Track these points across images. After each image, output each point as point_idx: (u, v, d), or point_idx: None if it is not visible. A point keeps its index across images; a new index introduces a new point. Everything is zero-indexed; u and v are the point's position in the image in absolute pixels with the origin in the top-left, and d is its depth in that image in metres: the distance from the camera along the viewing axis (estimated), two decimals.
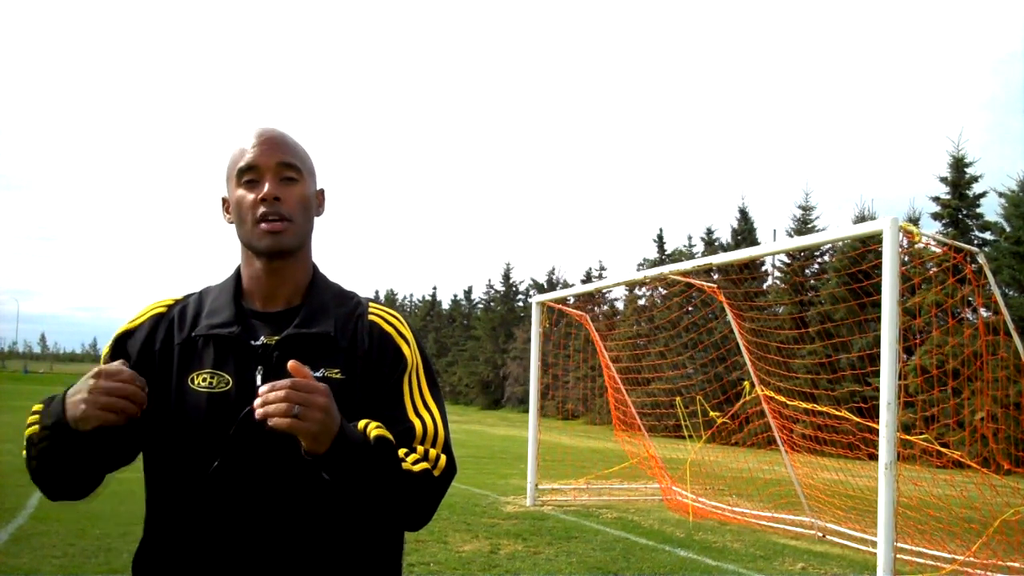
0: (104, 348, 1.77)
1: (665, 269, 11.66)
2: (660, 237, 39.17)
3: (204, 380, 1.65)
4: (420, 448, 1.64)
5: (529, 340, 13.88)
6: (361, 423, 1.55)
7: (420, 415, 1.69)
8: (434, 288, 74.83)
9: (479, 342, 55.25)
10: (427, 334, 66.05)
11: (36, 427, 1.55)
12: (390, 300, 77.01)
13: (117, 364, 1.50)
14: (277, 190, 1.66)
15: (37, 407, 1.58)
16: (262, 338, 1.67)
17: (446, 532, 8.90)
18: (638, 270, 34.36)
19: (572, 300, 15.65)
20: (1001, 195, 23.55)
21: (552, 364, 17.56)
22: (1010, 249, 22.47)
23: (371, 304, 1.79)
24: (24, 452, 1.60)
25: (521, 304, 53.08)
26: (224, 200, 1.76)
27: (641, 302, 34.84)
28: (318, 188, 1.79)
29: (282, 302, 1.72)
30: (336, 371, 1.66)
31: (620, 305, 38.45)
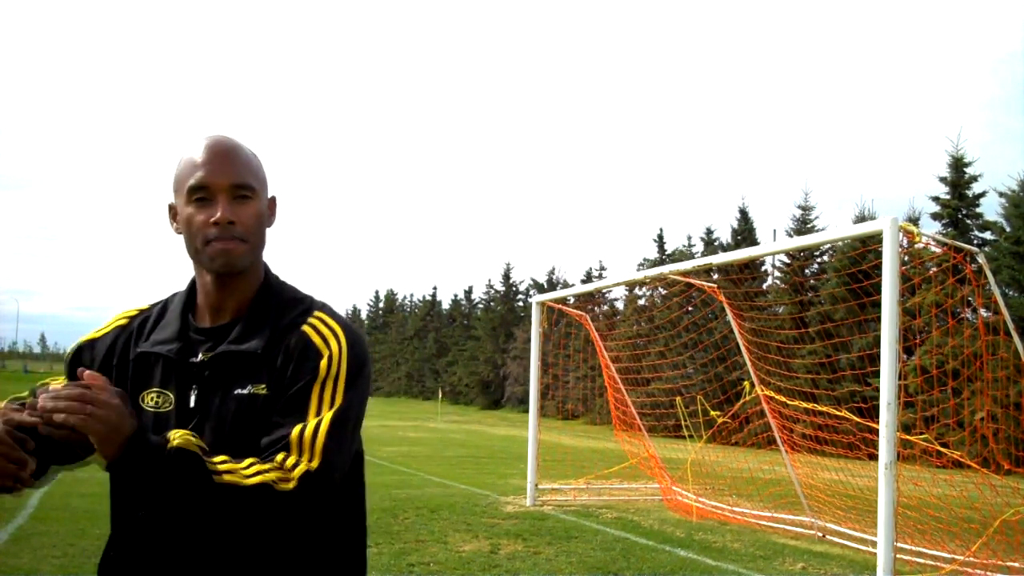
0: (68, 352, 1.78)
1: (665, 269, 11.67)
2: (660, 237, 39.19)
3: (152, 399, 1.65)
4: (280, 456, 1.54)
5: (529, 340, 13.89)
6: (172, 432, 1.49)
7: (306, 422, 1.59)
8: (434, 288, 74.85)
9: (479, 342, 55.25)
10: (427, 334, 66.09)
11: None
12: (390, 300, 77.14)
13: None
14: (231, 212, 1.63)
15: None
16: (200, 355, 1.66)
17: (446, 532, 8.90)
18: (638, 270, 34.36)
19: (572, 300, 15.65)
20: (1001, 195, 23.56)
21: (552, 364, 17.56)
22: (1010, 249, 22.47)
23: (316, 312, 1.72)
24: None
25: (521, 304, 53.08)
26: (171, 207, 1.72)
27: (641, 302, 34.84)
28: (269, 197, 1.76)
29: (230, 314, 1.72)
30: (263, 387, 1.63)
31: (620, 305, 38.45)
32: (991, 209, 32.33)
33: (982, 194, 24.72)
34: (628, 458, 13.81)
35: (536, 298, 13.13)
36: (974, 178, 24.78)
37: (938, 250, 9.23)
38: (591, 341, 14.04)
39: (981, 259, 8.14)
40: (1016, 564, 7.67)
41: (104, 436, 1.41)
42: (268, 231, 1.74)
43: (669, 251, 37.77)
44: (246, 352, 1.65)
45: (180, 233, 1.70)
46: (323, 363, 1.64)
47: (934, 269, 12.94)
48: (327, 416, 1.60)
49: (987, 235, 24.50)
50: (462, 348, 58.43)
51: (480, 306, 60.41)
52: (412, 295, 78.41)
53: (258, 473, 1.50)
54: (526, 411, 15.60)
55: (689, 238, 37.07)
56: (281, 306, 1.73)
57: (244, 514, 1.51)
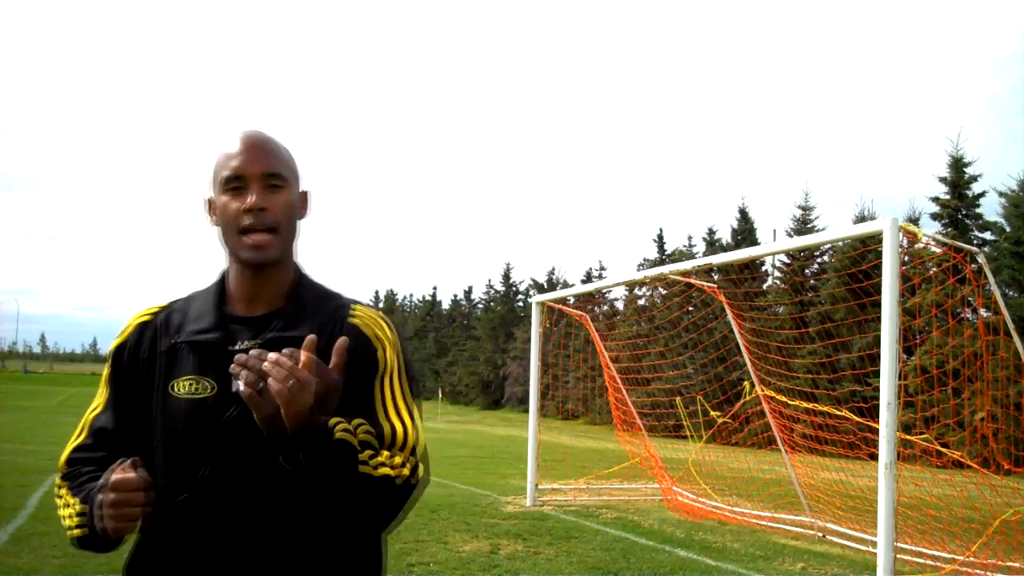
0: (106, 368, 1.81)
1: (665, 269, 11.67)
2: (660, 237, 39.21)
3: (186, 386, 1.67)
4: (385, 453, 1.62)
5: (529, 340, 13.88)
6: (332, 420, 1.54)
7: (391, 419, 1.67)
8: (434, 288, 74.88)
9: (479, 342, 55.24)
10: (427, 334, 66.03)
11: (83, 529, 1.66)
12: (390, 300, 77.06)
13: (123, 473, 1.55)
14: (263, 200, 1.67)
15: (70, 499, 1.69)
16: (241, 343, 1.68)
17: (446, 532, 8.90)
18: (638, 270, 34.35)
19: (572, 300, 15.65)
20: (1001, 195, 23.55)
21: (552, 364, 17.56)
22: (1010, 249, 22.46)
23: (355, 306, 1.79)
24: (65, 524, 1.71)
25: (521, 304, 53.07)
26: (209, 201, 1.76)
27: (641, 302, 34.83)
28: (302, 191, 1.80)
29: (264, 305, 1.73)
30: None
31: (620, 305, 38.46)
32: (991, 209, 32.32)
33: (982, 194, 24.72)
34: (628, 458, 13.80)
35: (536, 298, 13.13)
36: (974, 178, 24.77)
37: (938, 250, 9.23)
38: (591, 341, 14.03)
39: (981, 259, 8.14)
40: (1016, 564, 7.67)
41: (295, 414, 1.46)
42: (300, 223, 1.78)
43: (669, 251, 37.79)
44: (298, 339, 1.65)
45: (216, 225, 1.73)
46: (380, 355, 1.72)
47: (934, 269, 12.94)
48: (408, 420, 1.70)
49: (987, 235, 24.49)
50: (462, 348, 58.41)
51: (480, 306, 60.42)
52: (412, 295, 78.63)
53: (382, 465, 1.58)
54: (526, 411, 15.60)
55: (689, 238, 37.16)
56: (318, 298, 1.78)
57: (364, 500, 1.59)
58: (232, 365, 1.49)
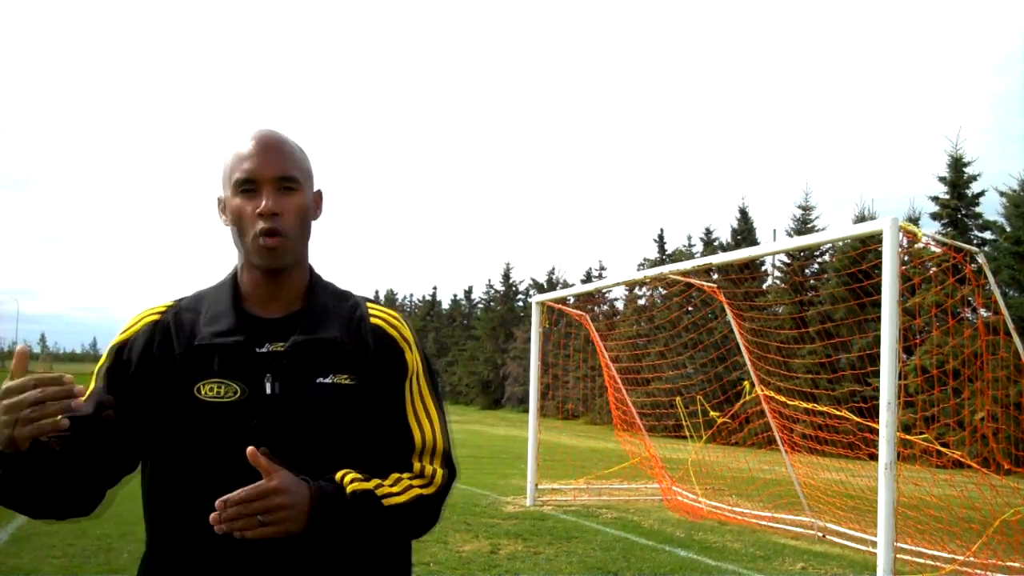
0: (101, 360, 1.72)
1: (665, 269, 11.67)
2: (660, 237, 39.16)
3: (212, 389, 1.62)
4: (416, 465, 1.65)
5: (529, 340, 13.88)
6: (338, 475, 1.55)
7: (420, 423, 1.69)
8: (434, 288, 74.83)
9: (479, 342, 55.21)
10: (427, 334, 66.01)
11: None
12: (390, 300, 76.93)
13: (24, 378, 1.39)
14: (275, 204, 1.64)
15: None
16: (267, 345, 1.65)
17: (446, 532, 8.90)
18: (638, 270, 34.33)
19: (572, 300, 15.65)
20: (1002, 194, 23.53)
21: (552, 364, 17.56)
22: (1010, 249, 22.44)
23: (369, 304, 1.77)
24: None
25: (521, 304, 53.02)
26: (220, 200, 1.74)
27: (641, 302, 34.81)
28: (316, 190, 1.77)
29: (282, 307, 1.71)
30: (345, 376, 1.65)
31: (620, 305, 38.43)
32: (991, 209, 32.31)
33: (982, 194, 24.69)
34: (628, 458, 13.80)
35: (536, 298, 13.12)
36: (974, 178, 24.74)
37: (938, 250, 9.23)
38: (591, 341, 14.03)
39: (981, 259, 8.14)
40: (1016, 564, 7.67)
41: (289, 531, 1.46)
42: (314, 224, 1.76)
43: (669, 251, 37.73)
44: (327, 340, 1.66)
45: (228, 225, 1.71)
46: (408, 356, 1.73)
47: (934, 269, 12.95)
48: (436, 421, 1.72)
49: (987, 235, 24.46)
50: (462, 348, 58.39)
51: (480, 306, 60.37)
52: (412, 295, 78.49)
53: (409, 488, 1.61)
54: (526, 411, 15.60)
55: (689, 238, 37.07)
56: (334, 298, 1.76)
57: (402, 527, 1.63)
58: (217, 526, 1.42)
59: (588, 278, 44.89)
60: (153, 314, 1.72)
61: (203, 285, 1.80)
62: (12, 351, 1.44)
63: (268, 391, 1.60)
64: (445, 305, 67.34)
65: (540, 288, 48.28)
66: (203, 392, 1.61)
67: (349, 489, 1.53)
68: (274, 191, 1.65)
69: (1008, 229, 23.11)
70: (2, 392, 1.40)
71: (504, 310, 54.20)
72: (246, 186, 1.66)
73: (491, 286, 58.06)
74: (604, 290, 36.92)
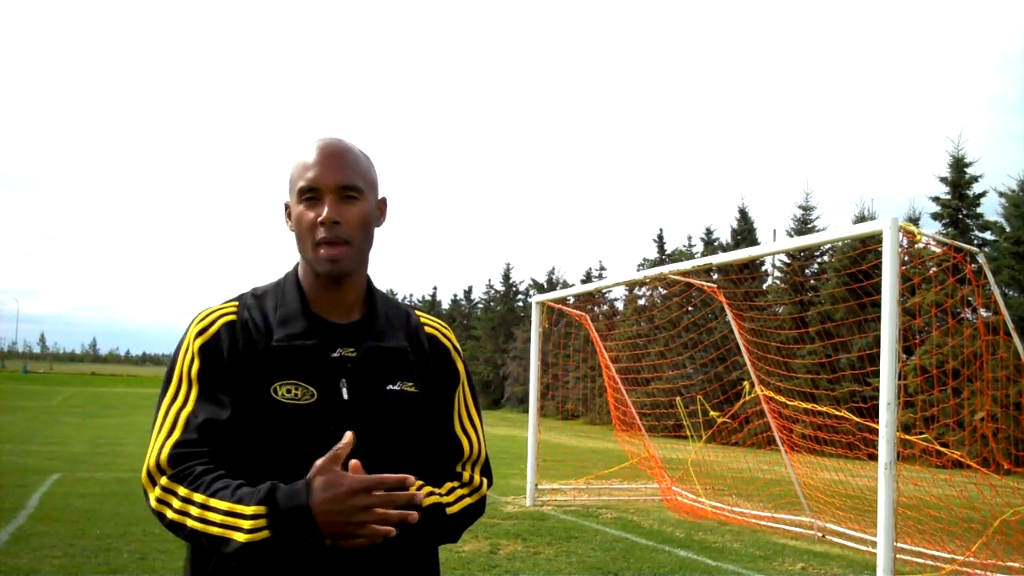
0: (185, 360, 1.66)
1: (665, 269, 11.67)
2: (660, 237, 39.18)
3: (288, 391, 1.63)
4: (465, 474, 1.76)
5: (529, 340, 13.88)
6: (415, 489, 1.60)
7: (467, 432, 1.79)
8: (434, 288, 74.88)
9: (479, 342, 55.22)
10: None
11: (263, 533, 1.46)
12: None
13: (399, 476, 1.48)
14: (337, 212, 1.67)
15: (211, 500, 1.50)
16: (339, 350, 1.69)
17: None
18: (638, 270, 34.34)
19: (572, 300, 15.65)
20: (1001, 195, 23.54)
21: (552, 364, 17.55)
22: (1010, 249, 22.46)
23: (419, 313, 1.86)
24: (210, 530, 1.50)
25: (521, 304, 53.04)
26: (287, 206, 1.76)
27: (641, 302, 34.81)
28: (380, 198, 1.80)
29: (344, 313, 1.74)
30: (411, 384, 1.73)
31: (620, 305, 38.44)
32: (991, 209, 32.29)
33: (982, 194, 24.70)
34: (628, 458, 13.80)
35: (536, 298, 13.12)
36: (974, 178, 24.75)
37: (938, 250, 9.23)
38: (591, 341, 14.03)
39: (981, 259, 8.14)
40: (1016, 564, 7.67)
41: (389, 533, 1.49)
42: (377, 231, 1.79)
43: (669, 251, 37.75)
44: (395, 349, 1.74)
45: (292, 231, 1.74)
46: (458, 365, 1.84)
47: (934, 269, 12.94)
48: (480, 430, 1.83)
49: (987, 235, 24.48)
50: (462, 348, 58.43)
51: (480, 306, 60.38)
52: (412, 295, 78.44)
53: (461, 497, 1.73)
54: (526, 411, 15.60)
55: (689, 238, 37.11)
56: (389, 305, 1.83)
57: (452, 534, 1.73)
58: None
59: (588, 278, 44.90)
60: (228, 314, 1.71)
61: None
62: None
63: (345, 396, 1.65)
64: (445, 305, 67.36)
65: (540, 288, 48.30)
66: (280, 393, 1.63)
67: (426, 502, 1.59)
68: (336, 200, 1.68)
69: (1008, 229, 23.12)
70: (346, 491, 1.44)
71: (504, 310, 54.21)
72: (309, 194, 1.68)
73: (491, 286, 58.11)
74: (604, 290, 36.90)
